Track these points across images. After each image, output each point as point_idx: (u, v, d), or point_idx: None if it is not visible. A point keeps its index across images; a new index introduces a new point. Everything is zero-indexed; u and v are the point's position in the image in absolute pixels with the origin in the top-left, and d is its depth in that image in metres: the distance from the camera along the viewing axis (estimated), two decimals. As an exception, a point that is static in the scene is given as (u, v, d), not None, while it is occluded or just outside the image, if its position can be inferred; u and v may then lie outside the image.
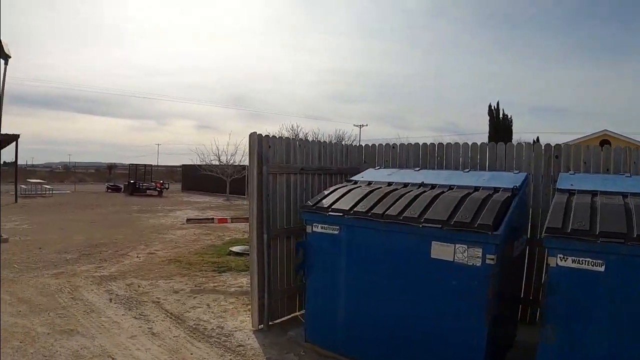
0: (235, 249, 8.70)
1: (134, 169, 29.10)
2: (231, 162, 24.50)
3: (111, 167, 60.74)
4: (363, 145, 5.79)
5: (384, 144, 5.50)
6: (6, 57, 9.89)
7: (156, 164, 32.98)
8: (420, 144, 5.19)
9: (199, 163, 25.30)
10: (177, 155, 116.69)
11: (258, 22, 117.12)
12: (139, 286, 6.40)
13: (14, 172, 22.08)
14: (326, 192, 4.08)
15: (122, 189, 28.37)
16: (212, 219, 10.09)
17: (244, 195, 23.20)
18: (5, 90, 10.03)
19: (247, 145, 4.68)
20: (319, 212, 3.81)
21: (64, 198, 24.87)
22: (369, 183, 4.15)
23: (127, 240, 10.53)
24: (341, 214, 3.64)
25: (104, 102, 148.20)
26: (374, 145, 5.53)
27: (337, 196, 3.88)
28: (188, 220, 10.18)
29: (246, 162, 19.56)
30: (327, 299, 3.87)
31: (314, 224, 3.87)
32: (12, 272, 7.36)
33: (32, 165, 65.23)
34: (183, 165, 33.88)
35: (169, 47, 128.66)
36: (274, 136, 4.65)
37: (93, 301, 5.97)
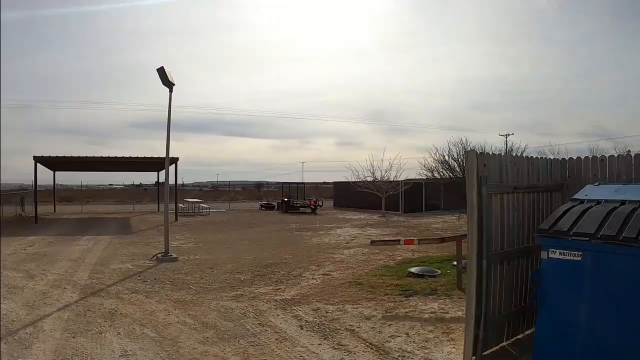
0: (414, 270, 9.94)
1: (286, 187, 35.99)
2: (385, 178, 28.98)
3: (259, 185, 70.60)
4: (566, 159, 6.59)
5: (590, 157, 6.17)
6: (171, 85, 13.11)
7: (302, 182, 38.00)
8: (632, 155, 5.68)
9: (353, 180, 30.38)
10: (320, 172, 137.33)
11: (391, 38, 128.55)
12: (326, 312, 7.36)
13: (175, 192, 27.86)
14: (557, 214, 4.57)
15: (276, 207, 35.55)
16: (398, 240, 11.38)
17: (398, 211, 29.43)
18: (171, 116, 13.48)
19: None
20: (557, 236, 4.27)
21: (222, 216, 29.87)
22: (598, 202, 4.57)
23: (296, 260, 12.51)
24: (586, 239, 4.04)
25: (248, 124, 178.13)
26: (578, 158, 6.27)
27: (574, 218, 4.35)
28: (372, 242, 11.48)
29: (401, 178, 25.47)
30: (563, 334, 4.23)
31: (551, 250, 4.32)
32: (189, 294, 9.03)
33: (183, 185, 79.25)
34: (335, 182, 41.46)
35: (307, 68, 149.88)
36: (487, 153, 5.49)
37: (283, 328, 6.80)
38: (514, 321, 5.62)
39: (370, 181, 29.27)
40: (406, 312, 7.26)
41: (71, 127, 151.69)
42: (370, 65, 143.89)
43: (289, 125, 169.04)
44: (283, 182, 39.43)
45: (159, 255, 13.09)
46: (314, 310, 7.46)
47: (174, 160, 26.24)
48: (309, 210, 31.69)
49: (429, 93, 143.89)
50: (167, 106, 13.48)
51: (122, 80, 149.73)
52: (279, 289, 9.11)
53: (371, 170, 29.68)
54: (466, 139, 15.81)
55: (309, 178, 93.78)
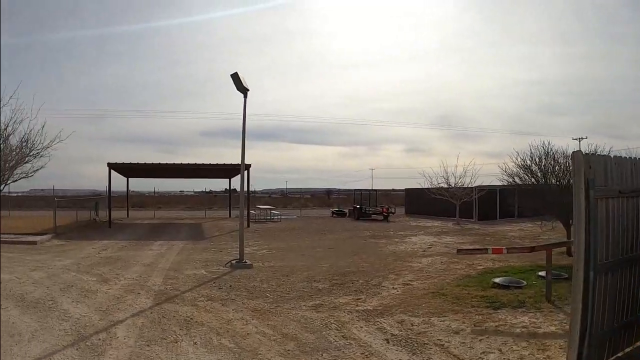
0: (499, 280, 9.72)
1: (358, 194, 36.14)
2: (459, 184, 29.10)
3: (329, 192, 71.29)
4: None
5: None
6: (245, 91, 13.24)
7: (373, 189, 38.95)
8: None
9: (427, 186, 30.54)
10: (389, 179, 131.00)
11: (454, 40, 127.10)
12: (412, 324, 7.08)
13: (247, 198, 27.81)
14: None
15: (347, 214, 35.55)
16: (486, 249, 10.82)
17: (472, 218, 29.59)
18: (246, 122, 13.52)
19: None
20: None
21: (293, 223, 29.88)
22: None
23: (373, 268, 12.32)
24: None
25: (316, 132, 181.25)
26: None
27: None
28: (459, 251, 11.02)
29: (475, 184, 24.24)
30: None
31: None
32: (266, 302, 8.72)
33: (253, 192, 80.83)
34: (406, 188, 41.31)
35: (373, 74, 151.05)
36: (592, 154, 5.21)
37: (368, 341, 6.37)
38: (615, 337, 5.30)
39: (444, 188, 29.31)
40: (496, 326, 6.94)
41: (143, 135, 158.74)
42: (435, 69, 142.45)
43: (356, 132, 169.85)
44: (354, 189, 39.91)
45: (234, 262, 12.92)
46: (398, 322, 7.19)
47: (247, 167, 26.28)
48: (381, 217, 31.85)
49: (494, 96, 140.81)
50: (241, 112, 13.44)
51: (193, 90, 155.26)
52: (360, 298, 8.87)
53: (445, 177, 29.73)
54: (548, 142, 14.74)
55: (378, 185, 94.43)
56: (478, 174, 29.31)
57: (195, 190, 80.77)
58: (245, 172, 25.71)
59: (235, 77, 12.94)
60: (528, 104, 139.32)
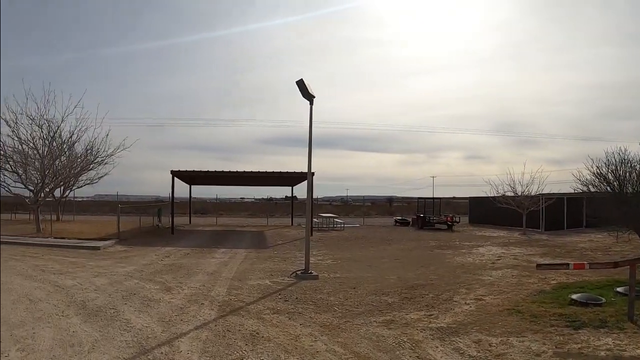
0: (576, 297, 9.24)
1: (421, 202, 35.49)
2: (526, 192, 28.20)
3: (390, 200, 71.09)
4: None
5: None
6: (311, 97, 13.14)
7: (437, 197, 38.14)
8: None
9: (492, 195, 29.96)
10: (449, 187, 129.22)
11: (514, 45, 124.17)
12: (490, 344, 6.74)
13: (310, 206, 27.60)
14: None
15: (410, 223, 35.08)
16: (567, 264, 10.23)
17: (538, 228, 28.59)
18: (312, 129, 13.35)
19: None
20: None
21: (357, 232, 29.35)
22: None
23: (442, 281, 11.93)
24: None
25: (375, 139, 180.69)
26: None
27: None
28: (538, 266, 10.35)
29: (542, 193, 22.24)
30: None
31: None
32: (335, 317, 8.35)
33: (315, 199, 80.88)
34: (470, 197, 40.97)
35: (431, 81, 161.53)
36: None
37: None
38: None
39: (510, 196, 28.54)
40: (579, 348, 6.55)
41: (202, 143, 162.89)
42: (494, 75, 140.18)
43: (415, 140, 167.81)
44: (418, 197, 38.80)
45: (299, 272, 12.67)
46: (475, 342, 6.85)
47: (311, 175, 26.16)
48: (444, 226, 31.47)
49: (555, 102, 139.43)
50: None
51: (253, 99, 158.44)
52: (432, 314, 8.57)
53: (511, 185, 28.95)
54: (625, 149, 13.73)
55: (438, 193, 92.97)
56: (545, 182, 28.64)
57: (256, 197, 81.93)
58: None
59: (301, 84, 12.83)
60: (590, 109, 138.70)
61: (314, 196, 33.02)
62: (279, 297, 9.96)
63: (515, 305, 9.01)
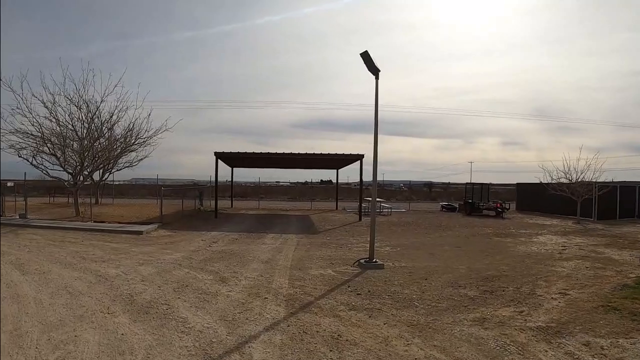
0: None
1: (470, 188, 34.38)
2: (580, 180, 27.23)
3: (430, 185, 72.66)
4: None
5: None
6: (376, 71, 12.05)
7: (480, 183, 35.74)
8: None
9: (545, 181, 28.92)
10: (485, 173, 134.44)
11: (551, 30, 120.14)
12: (601, 348, 6.15)
13: (359, 191, 27.26)
14: None
15: (457, 209, 34.24)
16: None
17: (589, 217, 27.54)
18: (378, 106, 12.13)
19: None
20: None
21: (405, 217, 28.12)
22: None
23: (515, 272, 11.08)
24: None
25: (409, 124, 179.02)
26: None
27: None
28: None
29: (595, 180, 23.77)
30: None
31: None
32: (419, 314, 7.34)
33: (347, 184, 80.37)
34: (518, 183, 39.71)
35: (466, 66, 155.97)
36: None
37: None
38: None
39: (565, 183, 27.48)
40: None
41: (235, 127, 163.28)
42: (531, 60, 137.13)
43: (450, 125, 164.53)
44: (465, 183, 37.63)
45: (362, 261, 11.67)
46: (584, 344, 6.22)
47: (360, 158, 25.33)
48: (492, 213, 30.46)
49: (593, 88, 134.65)
50: (371, 94, 12.15)
51: (283, 83, 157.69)
52: (522, 311, 7.78)
53: (564, 172, 27.68)
54: None
55: (475, 178, 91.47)
56: (601, 170, 26.50)
57: (291, 181, 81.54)
58: (358, 163, 24.69)
59: (366, 56, 11.84)
60: (629, 96, 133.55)
61: (347, 180, 31.64)
62: (349, 289, 8.88)
63: (607, 301, 8.37)
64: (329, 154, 25.12)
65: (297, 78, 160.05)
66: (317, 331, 6.29)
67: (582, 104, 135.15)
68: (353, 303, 7.85)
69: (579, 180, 26.74)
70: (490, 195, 34.15)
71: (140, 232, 15.98)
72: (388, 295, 8.45)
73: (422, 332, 6.48)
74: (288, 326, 6.49)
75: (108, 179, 32.51)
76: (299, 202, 43.12)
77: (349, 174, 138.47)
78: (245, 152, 24.76)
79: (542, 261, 12.66)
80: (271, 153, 25.15)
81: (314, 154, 24.96)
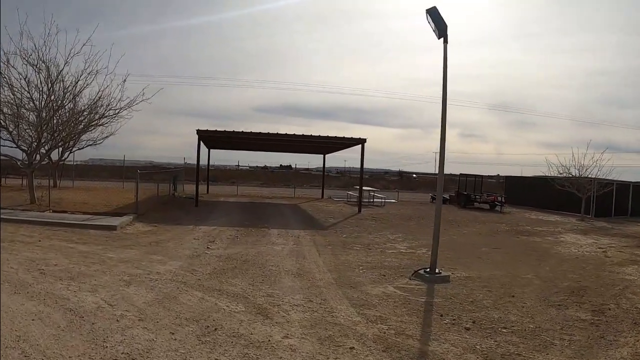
0: None
1: (463, 179, 32.60)
2: (584, 175, 26.64)
3: (401, 174, 70.19)
4: None
5: None
6: (444, 30, 9.37)
7: (463, 173, 33.73)
8: None
9: (551, 175, 28.42)
10: (448, 164, 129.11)
11: (520, 26, 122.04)
12: None
13: (360, 178, 23.87)
14: None
15: (449, 201, 31.98)
16: None
17: (587, 214, 26.37)
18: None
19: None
20: None
21: (401, 209, 25.31)
22: None
23: (590, 282, 9.34)
24: None
25: (373, 112, 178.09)
26: None
27: None
28: None
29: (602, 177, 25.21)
30: None
31: None
32: (564, 355, 5.29)
33: (306, 169, 77.67)
34: (507, 177, 39.64)
35: (432, 58, 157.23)
36: None
37: None
38: None
39: (570, 178, 26.62)
40: None
41: (198, 109, 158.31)
42: (497, 54, 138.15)
43: (412, 115, 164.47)
44: (459, 174, 35.12)
45: (422, 271, 9.02)
46: None
47: (362, 141, 22.33)
48: (487, 206, 28.95)
49: (556, 85, 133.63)
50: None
51: (247, 66, 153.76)
52: None
53: (567, 167, 27.10)
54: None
55: (431, 169, 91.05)
56: (605, 166, 26.12)
57: (250, 165, 78.93)
58: (359, 148, 22.35)
59: (434, 12, 9.27)
60: (591, 95, 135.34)
61: (307, 166, 28.67)
62: (443, 318, 6.41)
63: None
64: (328, 136, 21.90)
65: (263, 62, 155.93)
66: None
67: (544, 101, 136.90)
68: (475, 345, 5.37)
69: (583, 175, 26.12)
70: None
71: (113, 227, 12.37)
72: (503, 328, 6.08)
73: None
74: None
75: (67, 159, 27.91)
76: (275, 189, 39.71)
77: (309, 159, 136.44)
78: (234, 132, 21.06)
79: (600, 267, 11.12)
80: (265, 133, 21.48)
81: (311, 135, 21.66)
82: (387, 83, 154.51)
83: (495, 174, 63.28)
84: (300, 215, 19.58)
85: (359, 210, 21.69)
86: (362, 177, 23.43)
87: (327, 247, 11.74)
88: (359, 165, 23.58)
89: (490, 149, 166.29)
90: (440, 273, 8.91)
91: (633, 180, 29.88)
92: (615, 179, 27.10)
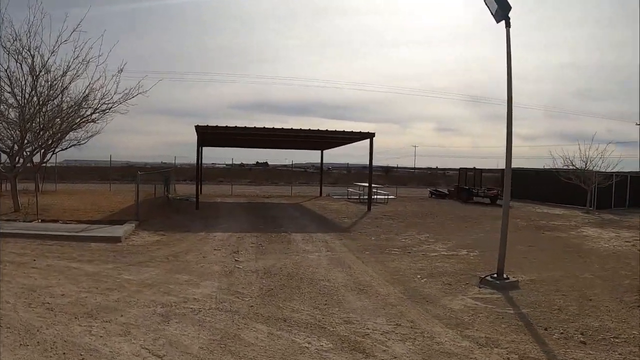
0: None
1: (463, 173, 32.14)
2: (590, 167, 26.42)
3: (387, 170, 70.39)
4: None
5: None
6: (506, 11, 8.71)
7: (478, 168, 32.83)
8: None
9: (556, 168, 27.77)
10: (426, 158, 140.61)
11: (492, 20, 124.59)
12: None
13: (369, 174, 22.63)
14: None
15: (448, 195, 31.82)
16: None
17: (590, 206, 25.76)
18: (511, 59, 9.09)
19: None
20: None
21: (406, 206, 24.21)
22: None
23: None
24: None
25: (348, 108, 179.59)
26: None
27: None
28: None
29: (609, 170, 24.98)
30: None
31: None
32: None
33: (284, 166, 76.42)
34: (503, 169, 36.35)
35: (407, 53, 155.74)
36: None
37: None
38: None
39: (579, 169, 26.03)
40: None
41: (175, 108, 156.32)
42: (471, 49, 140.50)
43: (388, 110, 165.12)
44: (459, 168, 34.52)
45: (489, 277, 8.19)
46: None
47: (371, 136, 21.14)
48: (487, 200, 28.21)
49: (530, 79, 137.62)
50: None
51: (221, 62, 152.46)
52: None
53: (571, 159, 26.57)
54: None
55: (418, 163, 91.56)
56: (609, 157, 26.07)
57: (227, 163, 77.86)
58: (368, 142, 21.35)
59: None
60: (565, 88, 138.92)
61: (288, 162, 27.32)
62: (551, 334, 5.68)
63: None
64: (336, 131, 20.58)
65: (238, 59, 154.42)
66: None
67: (518, 94, 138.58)
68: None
69: (589, 167, 25.79)
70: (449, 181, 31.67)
71: (117, 239, 10.76)
72: (612, 336, 5.58)
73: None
74: None
75: (49, 161, 25.59)
76: (265, 187, 38.58)
77: (286, 155, 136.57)
78: (236, 127, 19.42)
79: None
80: (269, 129, 19.93)
81: (318, 130, 20.25)
82: (360, 78, 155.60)
83: (494, 167, 62.65)
84: (310, 215, 18.27)
85: (369, 209, 20.48)
86: (371, 174, 22.01)
87: (364, 252, 10.53)
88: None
89: (466, 142, 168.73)
90: (508, 279, 8.15)
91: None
92: (613, 171, 26.77)
